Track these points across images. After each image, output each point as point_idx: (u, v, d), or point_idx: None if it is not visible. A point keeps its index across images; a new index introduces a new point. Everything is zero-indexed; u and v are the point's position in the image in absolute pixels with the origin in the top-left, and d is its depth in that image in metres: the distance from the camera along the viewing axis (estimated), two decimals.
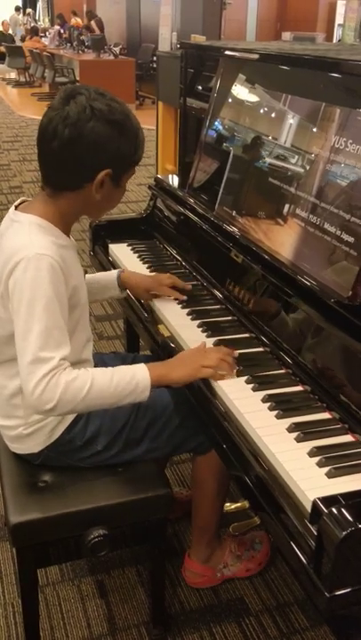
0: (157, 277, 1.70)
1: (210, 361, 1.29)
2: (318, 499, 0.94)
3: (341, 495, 0.93)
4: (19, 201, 1.33)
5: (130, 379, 1.23)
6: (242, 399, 1.22)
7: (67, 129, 1.17)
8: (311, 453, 1.06)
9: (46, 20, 18.44)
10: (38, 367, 1.15)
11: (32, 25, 15.23)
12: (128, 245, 2.04)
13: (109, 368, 1.25)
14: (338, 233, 1.24)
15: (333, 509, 0.90)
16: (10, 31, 16.08)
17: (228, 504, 1.84)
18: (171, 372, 1.28)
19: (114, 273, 1.66)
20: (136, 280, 1.67)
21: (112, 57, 10.42)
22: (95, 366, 1.43)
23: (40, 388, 1.15)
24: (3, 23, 16.00)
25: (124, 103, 1.25)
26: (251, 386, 1.26)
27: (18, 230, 1.24)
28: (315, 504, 0.94)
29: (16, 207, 1.31)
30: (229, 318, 1.55)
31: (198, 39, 3.49)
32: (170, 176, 2.26)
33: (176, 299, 1.64)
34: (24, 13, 18.30)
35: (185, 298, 1.64)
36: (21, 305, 1.17)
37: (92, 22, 12.89)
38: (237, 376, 1.30)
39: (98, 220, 2.09)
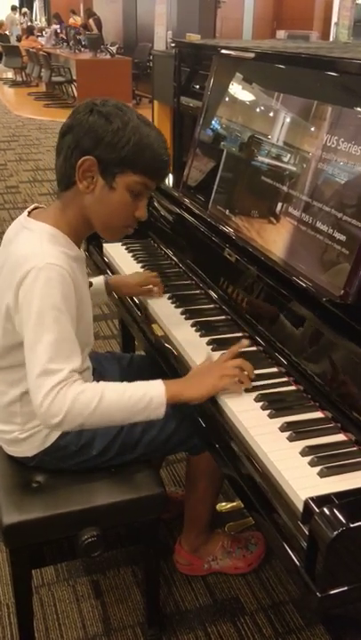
0: (145, 272, 1.73)
1: (229, 370, 1.23)
2: (310, 498, 0.93)
3: (333, 495, 0.93)
4: (32, 207, 1.31)
5: (143, 394, 1.19)
6: (234, 398, 1.22)
7: (65, 123, 1.22)
8: (303, 453, 1.05)
9: (43, 19, 18.43)
10: (46, 379, 1.13)
11: (28, 24, 15.21)
12: (123, 245, 2.04)
13: (124, 383, 1.21)
14: (330, 231, 1.24)
15: (325, 509, 0.89)
16: (6, 31, 16.04)
17: (223, 503, 1.85)
18: (188, 390, 1.22)
19: (101, 278, 1.66)
20: (126, 279, 1.69)
21: (109, 56, 10.40)
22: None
23: (48, 400, 1.13)
24: (2, 25, 15.93)
25: (136, 112, 1.22)
26: (251, 376, 1.25)
27: (28, 238, 1.22)
28: (306, 504, 0.93)
29: (29, 213, 1.29)
30: (223, 317, 1.55)
31: (193, 38, 3.48)
32: None
33: (170, 299, 1.65)
34: (20, 13, 18.29)
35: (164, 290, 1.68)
36: (31, 315, 1.15)
37: (91, 20, 12.89)
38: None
39: None
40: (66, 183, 1.24)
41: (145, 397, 1.19)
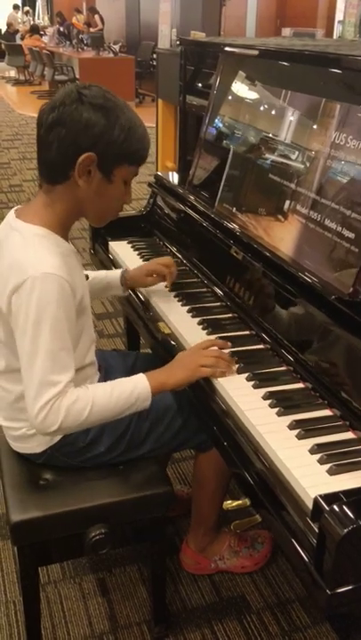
0: (155, 260, 1.73)
1: (207, 360, 1.28)
2: (320, 496, 0.93)
3: (343, 492, 0.93)
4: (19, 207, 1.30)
5: (130, 393, 1.23)
6: (243, 396, 1.22)
7: (51, 114, 1.17)
8: (312, 450, 1.05)
9: (45, 18, 18.42)
10: (46, 391, 1.15)
11: (31, 23, 15.21)
12: (128, 243, 2.04)
13: (109, 382, 1.25)
14: (338, 229, 1.24)
15: (335, 507, 0.89)
16: (17, 27, 15.97)
17: (229, 501, 1.83)
18: (170, 379, 1.28)
19: (118, 272, 1.66)
20: (137, 270, 1.69)
21: (112, 55, 10.40)
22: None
23: (44, 412, 1.16)
24: (11, 24, 15.86)
25: (120, 99, 1.22)
26: (251, 383, 1.26)
27: (19, 242, 1.20)
28: (316, 501, 0.93)
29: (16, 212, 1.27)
30: (230, 315, 1.55)
31: (198, 36, 3.48)
32: (170, 173, 2.25)
33: (176, 297, 1.65)
34: (23, 11, 18.29)
35: (172, 282, 1.68)
36: (27, 325, 1.15)
37: (96, 16, 12.93)
38: (238, 373, 1.29)
39: None
40: (58, 177, 1.21)
41: (132, 396, 1.23)
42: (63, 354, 1.17)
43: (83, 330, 1.32)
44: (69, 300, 1.18)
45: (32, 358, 1.15)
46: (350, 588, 0.91)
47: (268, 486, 1.05)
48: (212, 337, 1.44)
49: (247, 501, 1.81)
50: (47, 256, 1.18)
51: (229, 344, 1.37)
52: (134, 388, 1.24)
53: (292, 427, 1.12)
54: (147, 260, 1.91)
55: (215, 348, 1.34)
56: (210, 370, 1.28)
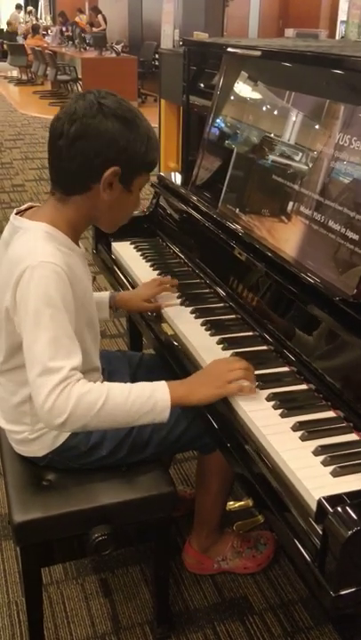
0: (150, 282, 1.67)
1: (234, 374, 1.21)
2: (323, 498, 0.93)
3: (347, 494, 0.93)
4: (25, 206, 1.30)
5: (147, 397, 1.16)
6: (246, 398, 1.21)
7: (73, 125, 1.15)
8: (316, 452, 1.05)
9: (48, 17, 18.43)
10: (48, 378, 1.11)
11: (34, 23, 15.23)
12: (131, 244, 2.04)
13: (127, 384, 1.19)
14: (343, 231, 1.24)
15: (339, 508, 0.89)
16: (17, 29, 16.00)
17: (231, 502, 1.84)
18: (193, 394, 1.20)
19: (106, 294, 1.61)
20: (131, 295, 1.65)
21: (114, 55, 10.40)
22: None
23: (51, 400, 1.11)
24: (11, 24, 15.88)
25: (133, 106, 1.23)
26: (255, 384, 1.26)
27: (24, 237, 1.21)
28: (320, 503, 0.93)
29: (22, 212, 1.27)
30: (233, 316, 1.55)
31: (201, 36, 3.48)
32: (172, 174, 2.25)
33: (179, 297, 1.64)
34: (25, 11, 18.31)
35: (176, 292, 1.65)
36: (28, 314, 1.14)
37: (100, 16, 12.95)
38: None
39: None
40: (77, 189, 1.21)
41: (149, 401, 1.17)
42: (66, 340, 1.14)
43: (89, 333, 1.31)
44: (67, 288, 1.17)
45: (33, 346, 1.13)
46: (354, 590, 0.91)
47: (271, 488, 1.05)
48: (216, 338, 1.44)
49: (250, 502, 1.82)
50: (45, 246, 1.17)
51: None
52: (153, 394, 1.17)
53: (295, 428, 1.12)
54: (149, 260, 1.91)
55: (242, 363, 1.25)
56: (237, 387, 1.20)
